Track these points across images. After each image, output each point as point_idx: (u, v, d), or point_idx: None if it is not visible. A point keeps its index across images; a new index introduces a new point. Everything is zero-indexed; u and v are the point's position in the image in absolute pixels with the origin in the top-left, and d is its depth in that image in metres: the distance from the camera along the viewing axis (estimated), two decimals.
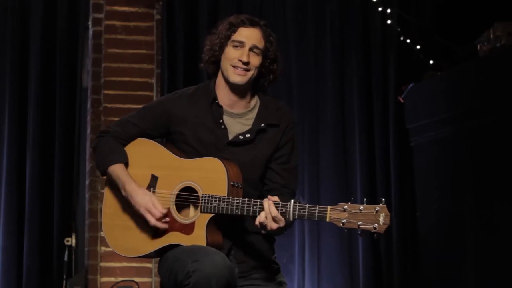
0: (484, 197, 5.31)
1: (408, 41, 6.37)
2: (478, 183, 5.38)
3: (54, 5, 6.11)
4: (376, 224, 2.88)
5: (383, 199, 2.92)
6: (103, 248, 5.28)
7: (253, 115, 3.24)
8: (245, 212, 3.04)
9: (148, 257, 3.29)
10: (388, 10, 6.39)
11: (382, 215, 2.88)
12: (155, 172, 3.21)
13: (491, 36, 5.43)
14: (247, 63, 3.16)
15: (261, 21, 3.23)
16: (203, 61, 3.27)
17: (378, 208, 2.89)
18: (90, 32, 5.68)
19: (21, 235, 5.89)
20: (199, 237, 3.08)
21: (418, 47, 6.32)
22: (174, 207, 3.16)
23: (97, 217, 5.39)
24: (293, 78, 6.41)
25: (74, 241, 5.51)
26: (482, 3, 5.94)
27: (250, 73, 3.18)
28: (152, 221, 3.12)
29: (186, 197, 3.14)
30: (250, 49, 3.17)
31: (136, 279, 5.25)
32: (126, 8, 5.52)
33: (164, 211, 3.13)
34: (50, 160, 6.00)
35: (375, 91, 6.52)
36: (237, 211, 3.04)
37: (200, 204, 3.09)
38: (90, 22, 5.71)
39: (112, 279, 5.28)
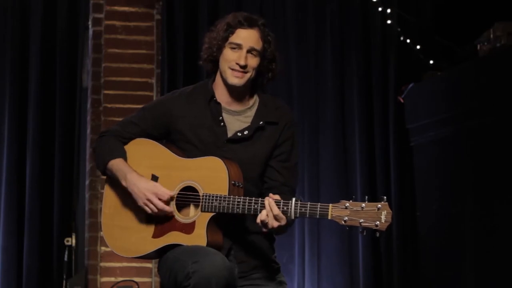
0: (484, 197, 5.31)
1: (408, 41, 6.37)
2: (478, 183, 5.38)
3: (54, 5, 6.11)
4: (378, 222, 2.88)
5: (385, 196, 2.93)
6: (103, 248, 5.28)
7: (252, 112, 3.24)
8: (246, 211, 3.04)
9: (147, 257, 3.28)
10: (388, 10, 6.39)
11: (384, 213, 2.88)
12: (155, 172, 3.21)
13: (491, 36, 5.43)
14: (244, 66, 3.16)
15: (259, 20, 3.22)
16: (202, 59, 3.27)
17: (380, 205, 2.90)
18: (90, 32, 5.68)
19: (21, 235, 5.89)
20: (199, 237, 3.07)
21: (418, 47, 6.32)
22: (175, 206, 3.16)
23: (97, 217, 5.39)
24: (293, 78, 6.41)
25: (74, 241, 5.51)
26: (482, 3, 5.94)
27: (248, 75, 3.18)
28: (160, 205, 3.10)
29: (187, 197, 3.14)
30: (248, 51, 3.17)
31: (136, 279, 5.25)
32: (126, 8, 5.51)
33: (171, 193, 3.12)
34: (50, 160, 6.00)
35: (375, 91, 6.52)
36: (238, 210, 3.04)
37: (200, 203, 3.09)
38: (90, 22, 5.71)
39: (112, 279, 5.28)
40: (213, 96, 3.23)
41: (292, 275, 6.20)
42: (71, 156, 6.04)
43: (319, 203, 2.95)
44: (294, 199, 2.97)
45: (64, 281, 5.48)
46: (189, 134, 3.20)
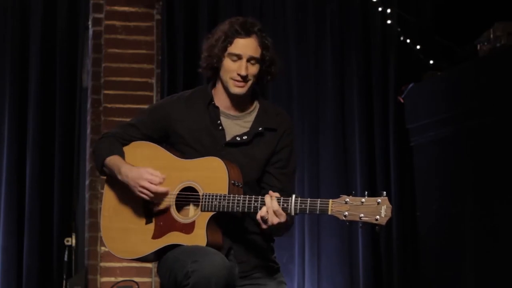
0: (484, 197, 5.31)
1: (408, 41, 6.37)
2: (478, 183, 5.38)
3: (54, 5, 6.11)
4: (378, 216, 2.89)
5: (384, 192, 2.93)
6: (103, 248, 5.28)
7: (251, 118, 3.25)
8: (246, 209, 3.04)
9: (147, 260, 3.27)
10: (388, 10, 6.38)
11: (383, 207, 2.89)
12: None
13: (491, 36, 5.43)
14: (245, 76, 3.17)
15: (255, 26, 3.21)
16: (202, 67, 3.28)
17: (379, 200, 2.90)
18: (90, 32, 5.68)
19: (21, 235, 5.89)
20: (199, 236, 3.07)
21: (418, 47, 6.32)
22: (175, 207, 3.16)
23: (97, 217, 5.38)
24: (293, 78, 6.41)
25: (74, 241, 5.51)
26: (482, 3, 5.94)
27: (249, 83, 3.20)
28: (153, 187, 3.10)
29: (187, 197, 3.14)
30: (248, 61, 3.17)
31: (136, 279, 5.25)
32: (126, 8, 5.51)
33: (163, 175, 3.11)
34: (50, 160, 6.00)
35: (375, 91, 6.52)
36: (238, 208, 3.05)
37: (200, 203, 3.09)
38: (90, 22, 5.71)
39: (112, 279, 5.28)
40: (211, 100, 3.24)
41: (292, 275, 6.20)
42: (71, 156, 6.04)
43: (319, 199, 2.96)
44: (294, 195, 2.99)
45: (64, 281, 5.48)
46: (188, 137, 3.21)
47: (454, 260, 5.54)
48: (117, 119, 5.38)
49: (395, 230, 6.32)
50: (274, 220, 2.99)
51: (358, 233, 6.32)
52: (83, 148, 5.92)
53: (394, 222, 6.27)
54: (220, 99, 3.25)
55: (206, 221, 3.08)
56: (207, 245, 3.06)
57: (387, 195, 2.93)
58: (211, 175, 3.11)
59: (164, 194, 3.14)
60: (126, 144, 3.28)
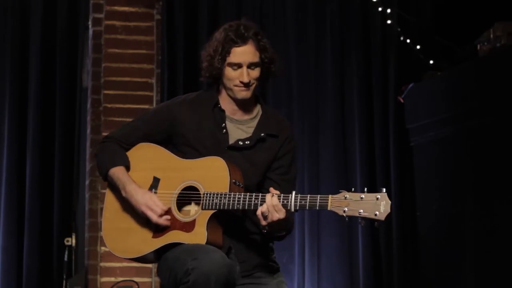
0: (484, 197, 5.31)
1: (408, 41, 6.37)
2: (478, 183, 5.38)
3: (54, 5, 6.11)
4: (377, 212, 2.91)
5: (384, 188, 2.95)
6: (103, 248, 5.29)
7: (254, 123, 3.28)
8: (246, 206, 3.06)
9: (147, 259, 3.27)
10: (388, 10, 6.38)
11: (383, 203, 2.91)
12: (157, 174, 3.22)
13: (491, 36, 5.43)
14: (248, 82, 3.21)
15: (250, 31, 3.22)
16: (203, 76, 3.31)
17: (379, 196, 2.92)
18: (90, 32, 5.68)
19: (21, 235, 5.89)
20: (199, 234, 3.09)
21: (418, 47, 6.32)
22: (175, 206, 3.17)
23: (97, 217, 5.39)
24: (293, 78, 6.41)
25: (74, 241, 5.51)
26: (482, 3, 5.94)
27: (253, 87, 3.23)
28: (154, 218, 3.13)
29: (188, 196, 3.16)
30: (248, 67, 3.20)
31: (136, 279, 5.25)
32: (126, 8, 5.51)
33: (165, 208, 3.14)
34: (50, 160, 6.00)
35: (375, 91, 6.52)
36: (238, 205, 3.06)
37: (201, 201, 3.11)
38: (90, 22, 5.71)
39: (112, 279, 5.28)
40: (217, 103, 3.27)
41: (292, 275, 6.20)
42: (71, 156, 6.04)
43: (318, 195, 2.98)
44: (294, 192, 3.02)
45: (64, 281, 5.48)
46: (191, 138, 3.23)
47: (454, 260, 5.54)
48: (117, 119, 5.38)
49: (395, 230, 6.32)
50: (274, 216, 3.01)
51: (358, 233, 6.32)
52: (83, 148, 5.92)
53: (394, 222, 6.27)
54: (225, 104, 3.28)
55: (207, 219, 3.09)
56: (207, 243, 3.07)
57: (387, 194, 2.94)
58: (212, 174, 3.12)
59: (162, 227, 3.16)
60: (129, 149, 3.30)
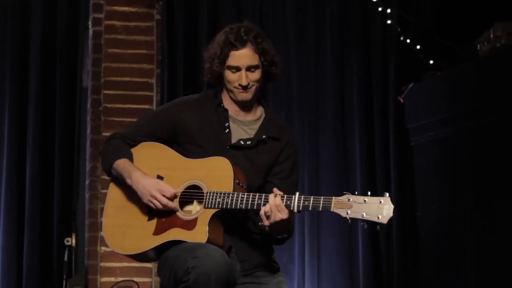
0: (484, 197, 5.31)
1: (408, 41, 6.37)
2: (478, 183, 5.38)
3: (54, 5, 6.11)
4: (379, 215, 2.94)
5: (387, 193, 2.98)
6: (103, 248, 5.28)
7: (256, 125, 3.30)
8: (249, 206, 3.07)
9: (146, 257, 3.27)
10: (388, 10, 6.38)
11: (386, 207, 2.94)
12: (160, 173, 3.24)
13: (491, 36, 5.43)
14: (247, 85, 3.23)
15: (250, 34, 3.24)
16: (205, 77, 3.34)
17: (382, 200, 2.95)
18: (90, 32, 5.68)
19: (21, 235, 5.89)
20: (200, 232, 3.09)
21: (418, 47, 6.32)
22: (178, 204, 3.18)
23: (97, 217, 5.39)
24: (293, 78, 6.41)
25: (74, 241, 5.51)
26: (482, 3, 5.94)
27: (253, 88, 3.26)
28: (164, 200, 3.14)
29: (191, 195, 3.17)
30: (247, 70, 3.23)
31: (136, 279, 5.25)
32: (126, 8, 5.51)
33: (175, 191, 3.15)
34: (50, 160, 6.00)
35: (375, 91, 6.52)
36: (241, 205, 3.08)
37: (204, 200, 3.12)
38: (90, 22, 5.71)
39: (112, 279, 5.28)
40: (220, 102, 3.30)
41: (292, 275, 6.20)
42: (71, 156, 6.04)
43: (322, 197, 3.00)
44: (297, 193, 3.04)
45: (64, 281, 5.48)
46: (194, 136, 3.26)
47: (454, 260, 5.54)
48: (117, 119, 5.38)
49: (395, 230, 6.32)
50: (277, 216, 3.02)
51: (358, 233, 6.32)
52: (83, 148, 5.92)
53: (394, 222, 6.27)
54: (228, 104, 3.31)
55: (209, 218, 3.10)
56: (207, 241, 3.08)
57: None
58: (216, 174, 3.14)
59: (170, 210, 3.16)
60: (135, 146, 3.31)
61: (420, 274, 5.95)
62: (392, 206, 2.94)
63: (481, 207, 5.33)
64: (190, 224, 3.12)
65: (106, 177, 5.25)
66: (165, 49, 6.12)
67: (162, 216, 3.19)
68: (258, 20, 6.38)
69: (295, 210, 3.02)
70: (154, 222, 3.19)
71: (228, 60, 3.22)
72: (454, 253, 5.53)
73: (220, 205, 3.09)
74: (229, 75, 3.24)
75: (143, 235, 3.20)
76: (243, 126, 3.29)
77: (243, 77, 3.22)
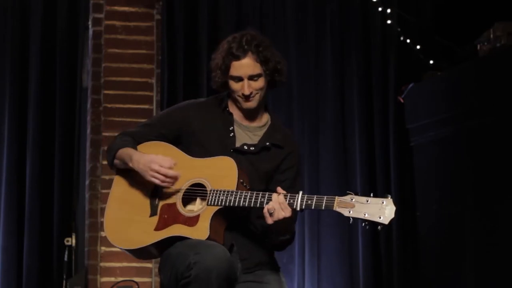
0: (484, 197, 5.31)
1: (408, 41, 6.37)
2: (478, 183, 5.38)
3: (54, 5, 6.11)
4: (381, 216, 2.97)
5: (389, 195, 3.01)
6: (103, 248, 5.28)
7: (261, 132, 3.34)
8: (252, 204, 3.09)
9: (146, 252, 3.27)
10: (388, 10, 6.39)
11: (388, 208, 2.98)
12: None
13: (491, 36, 5.43)
14: (249, 94, 3.26)
15: (252, 43, 3.26)
16: (213, 85, 3.37)
17: (384, 201, 2.99)
18: (90, 32, 5.68)
19: (21, 235, 5.89)
20: (201, 229, 3.11)
21: (418, 47, 6.32)
22: (181, 201, 3.20)
23: (97, 217, 5.39)
24: (293, 78, 6.41)
25: (74, 241, 5.51)
26: (482, 3, 5.94)
27: (257, 97, 3.29)
28: (163, 170, 3.16)
29: (194, 192, 3.19)
30: (249, 79, 3.26)
31: (136, 279, 5.25)
32: (126, 8, 5.52)
33: (175, 161, 3.18)
34: (50, 160, 6.00)
35: (375, 91, 6.52)
36: (244, 203, 3.10)
37: (207, 197, 3.14)
38: (90, 22, 5.71)
39: (112, 279, 5.28)
40: (226, 106, 3.34)
41: (292, 275, 6.20)
42: (71, 156, 6.04)
43: (325, 196, 3.03)
44: (301, 192, 3.07)
45: (64, 281, 5.48)
46: (199, 137, 3.29)
47: (454, 260, 5.54)
48: (117, 119, 5.39)
49: (395, 230, 6.32)
50: (280, 214, 3.04)
51: (358, 233, 6.32)
52: (83, 148, 5.92)
53: (394, 222, 6.24)
54: (234, 109, 3.35)
55: (211, 215, 3.12)
56: (208, 239, 3.09)
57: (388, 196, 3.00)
58: (221, 173, 3.17)
59: (174, 180, 3.19)
60: (141, 143, 3.35)
61: (420, 274, 5.95)
62: (394, 208, 2.98)
63: (481, 207, 5.33)
64: (192, 221, 3.14)
65: (106, 177, 5.33)
66: (165, 49, 6.12)
67: (164, 211, 3.20)
68: (258, 20, 6.39)
69: (298, 208, 3.05)
70: (156, 218, 3.21)
71: (230, 70, 3.26)
72: (454, 253, 5.53)
73: (223, 203, 3.11)
74: (232, 84, 3.28)
75: (144, 230, 3.21)
76: (248, 131, 3.33)
77: (245, 87, 3.25)
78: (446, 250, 5.62)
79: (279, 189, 3.11)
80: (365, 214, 2.98)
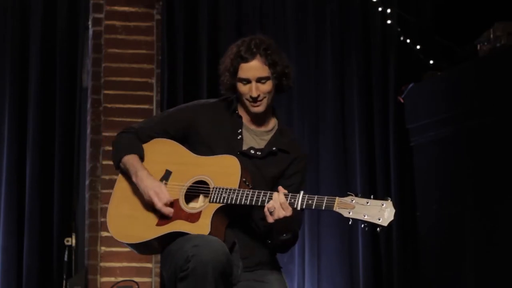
0: (484, 197, 5.32)
1: (408, 41, 6.37)
2: (478, 183, 5.38)
3: (54, 5, 6.11)
4: (381, 218, 3.00)
5: (389, 197, 3.03)
6: (103, 248, 5.28)
7: (268, 137, 3.35)
8: (253, 202, 3.11)
9: (148, 247, 3.29)
10: (388, 10, 6.39)
11: (387, 210, 3.00)
12: (169, 167, 3.29)
13: (491, 36, 5.44)
14: (257, 97, 3.28)
15: (260, 46, 3.29)
16: (221, 89, 3.39)
17: (384, 203, 3.01)
18: (90, 32, 5.68)
19: (21, 235, 5.89)
20: (203, 226, 3.12)
21: (418, 47, 6.33)
22: (183, 197, 3.21)
23: (97, 217, 5.39)
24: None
25: (74, 241, 5.51)
26: (482, 3, 5.94)
27: (265, 101, 3.30)
28: (159, 204, 3.18)
29: (197, 189, 3.21)
30: (257, 81, 3.28)
31: (136, 279, 5.25)
32: (126, 8, 5.51)
33: (171, 199, 3.20)
34: (50, 160, 6.00)
35: (375, 91, 6.52)
36: (246, 201, 3.12)
37: (210, 195, 3.16)
38: (90, 22, 5.71)
39: (112, 279, 5.28)
40: (236, 109, 3.36)
41: (292, 275, 6.20)
42: (71, 156, 6.04)
43: (326, 196, 3.05)
44: (302, 192, 3.09)
45: (64, 281, 5.48)
46: (206, 137, 3.31)
47: (454, 260, 5.54)
48: (117, 119, 5.38)
49: (395, 230, 6.32)
50: (280, 213, 3.07)
51: (358, 233, 6.32)
52: (83, 148, 5.92)
53: (394, 222, 6.24)
54: (242, 112, 3.37)
55: (213, 212, 3.14)
56: (209, 235, 3.11)
57: (387, 195, 3.04)
58: (224, 171, 3.19)
59: (165, 214, 3.21)
60: (147, 141, 3.36)
61: (420, 274, 5.95)
62: (393, 210, 3.00)
63: (481, 207, 5.33)
64: (193, 217, 3.16)
65: (106, 177, 5.32)
66: (165, 49, 6.12)
67: (166, 202, 3.22)
68: (258, 20, 6.39)
69: (299, 208, 3.07)
70: (158, 214, 3.22)
71: (239, 72, 3.28)
72: (454, 253, 5.53)
73: (225, 200, 3.13)
74: (240, 87, 3.29)
75: (146, 225, 3.22)
76: (255, 136, 3.34)
77: (253, 89, 3.26)
78: (446, 250, 5.62)
79: (280, 188, 3.12)
80: (364, 216, 3.00)
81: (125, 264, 5.25)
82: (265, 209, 3.09)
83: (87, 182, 5.62)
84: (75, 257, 5.57)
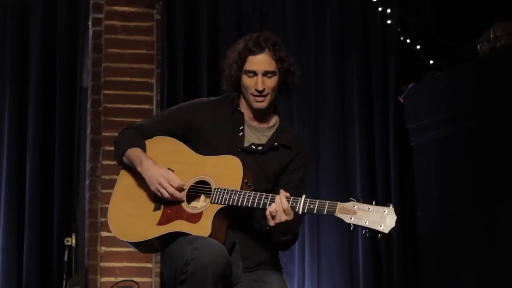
0: (484, 197, 5.32)
1: (408, 41, 6.37)
2: (478, 183, 5.38)
3: (54, 5, 6.11)
4: (382, 225, 3.00)
5: (391, 204, 3.03)
6: (103, 248, 5.28)
7: (270, 133, 3.36)
8: (255, 204, 3.11)
9: (149, 245, 3.29)
10: (388, 10, 6.39)
11: (389, 217, 3.01)
12: (171, 166, 3.27)
13: (491, 36, 5.44)
14: (262, 91, 3.28)
15: (269, 41, 3.34)
16: (224, 84, 3.40)
17: (386, 210, 3.01)
18: (90, 32, 5.68)
19: (21, 235, 5.89)
20: (204, 227, 3.12)
21: (418, 47, 6.33)
22: (185, 198, 3.21)
23: (97, 217, 5.39)
24: None
25: (74, 241, 5.51)
26: (482, 3, 5.94)
27: (269, 97, 3.31)
28: (170, 189, 3.17)
29: (199, 189, 3.21)
30: (263, 75, 3.29)
31: (136, 279, 5.25)
32: (126, 8, 5.51)
33: (183, 183, 3.19)
34: (50, 160, 6.00)
35: (375, 91, 6.52)
36: (247, 203, 3.12)
37: (211, 196, 3.16)
38: (90, 22, 5.71)
39: (112, 279, 5.28)
40: (237, 106, 3.36)
41: (292, 275, 6.20)
42: (71, 156, 6.04)
43: (328, 201, 3.04)
44: (304, 196, 3.08)
45: (64, 281, 5.48)
46: (208, 135, 3.31)
47: (454, 260, 5.54)
48: (117, 119, 5.38)
49: (395, 230, 6.29)
50: (282, 217, 3.07)
51: (358, 234, 6.32)
52: (83, 148, 5.92)
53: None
54: (244, 109, 3.37)
55: (214, 213, 3.13)
56: (209, 236, 3.11)
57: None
58: (226, 171, 3.19)
59: (176, 199, 3.19)
60: (149, 138, 3.36)
61: (420, 274, 5.95)
62: (395, 217, 3.00)
63: (481, 207, 5.33)
64: (194, 217, 3.15)
65: (106, 177, 5.32)
66: (165, 49, 6.12)
67: (168, 207, 3.22)
68: (258, 20, 6.39)
69: (300, 212, 3.06)
70: (159, 212, 3.22)
71: (246, 65, 3.28)
72: (454, 253, 5.53)
73: (226, 202, 3.13)
74: (246, 80, 3.29)
75: (147, 224, 3.22)
76: (256, 132, 3.34)
77: (259, 82, 3.27)
78: (446, 250, 5.62)
79: (282, 191, 3.11)
80: (366, 222, 2.99)
81: (125, 264, 5.25)
82: (267, 212, 3.08)
83: (87, 182, 5.62)
84: (75, 257, 5.56)
